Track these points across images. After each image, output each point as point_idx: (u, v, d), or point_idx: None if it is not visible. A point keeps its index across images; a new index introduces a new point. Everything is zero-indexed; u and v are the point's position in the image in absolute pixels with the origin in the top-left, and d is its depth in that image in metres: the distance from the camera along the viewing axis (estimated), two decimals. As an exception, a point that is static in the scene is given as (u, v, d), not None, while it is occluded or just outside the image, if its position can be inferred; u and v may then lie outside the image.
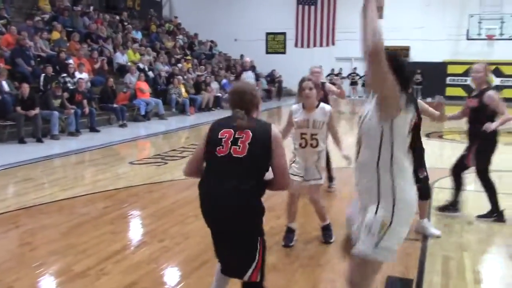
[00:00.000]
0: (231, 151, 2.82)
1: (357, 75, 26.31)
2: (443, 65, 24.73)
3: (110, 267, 4.15)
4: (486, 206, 5.53)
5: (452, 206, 5.76)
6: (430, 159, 9.07)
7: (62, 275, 4.02)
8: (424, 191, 4.83)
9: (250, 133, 2.82)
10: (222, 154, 2.84)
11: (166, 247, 4.64)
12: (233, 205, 2.80)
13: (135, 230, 5.10)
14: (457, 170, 5.75)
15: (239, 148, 2.81)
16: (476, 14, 23.19)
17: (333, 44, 26.84)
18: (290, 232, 4.82)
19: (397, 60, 2.73)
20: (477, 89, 5.42)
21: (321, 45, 26.99)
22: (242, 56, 25.23)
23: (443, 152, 10.30)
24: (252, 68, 13.61)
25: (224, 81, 20.35)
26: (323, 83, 6.33)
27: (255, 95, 3.04)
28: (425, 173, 4.94)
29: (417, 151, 4.48)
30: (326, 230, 4.88)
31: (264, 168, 2.89)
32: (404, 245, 4.70)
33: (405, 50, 25.79)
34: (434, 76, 24.57)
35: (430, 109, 5.02)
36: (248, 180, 2.81)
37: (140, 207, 5.96)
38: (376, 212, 2.62)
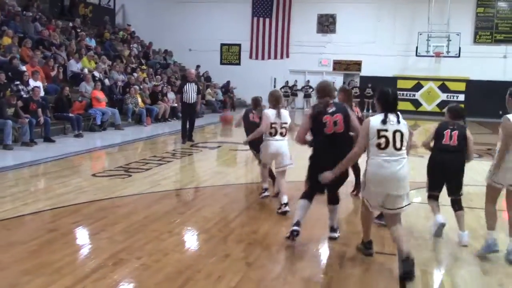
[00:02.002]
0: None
1: (311, 87, 26.70)
2: (393, 80, 25.50)
3: (90, 287, 3.99)
4: (452, 220, 5.69)
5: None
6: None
7: (39, 297, 3.83)
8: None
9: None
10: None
11: (145, 265, 4.50)
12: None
13: (110, 247, 4.91)
14: None
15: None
16: (425, 32, 24.11)
17: (287, 56, 27.20)
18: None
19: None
20: None
21: (275, 58, 27.29)
22: (198, 66, 25.14)
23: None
24: (195, 80, 13.15)
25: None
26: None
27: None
28: None
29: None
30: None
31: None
32: (383, 260, 4.81)
33: (357, 64, 26.51)
34: (384, 90, 25.30)
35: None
36: None
37: (111, 223, 5.76)
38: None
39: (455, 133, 5.48)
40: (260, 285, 4.19)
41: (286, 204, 6.28)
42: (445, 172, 5.49)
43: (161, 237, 5.29)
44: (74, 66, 15.97)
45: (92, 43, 19.46)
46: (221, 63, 27.92)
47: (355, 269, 4.60)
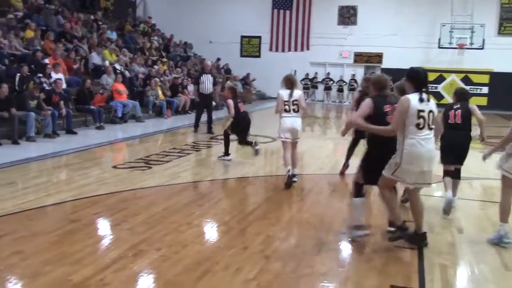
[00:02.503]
0: None
1: (331, 80, 26.59)
2: (415, 72, 25.18)
3: (110, 277, 4.04)
4: (474, 214, 5.64)
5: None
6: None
7: (60, 286, 3.89)
8: None
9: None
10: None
11: (164, 256, 4.55)
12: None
13: (130, 238, 4.98)
14: None
15: None
16: (448, 23, 23.73)
17: (307, 49, 27.05)
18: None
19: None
20: None
21: (295, 50, 27.16)
22: (218, 59, 25.19)
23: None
24: (211, 72, 13.67)
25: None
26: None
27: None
28: None
29: None
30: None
31: None
32: (403, 254, 4.78)
33: (378, 56, 26.24)
34: (406, 83, 25.03)
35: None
36: None
37: (131, 214, 5.82)
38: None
39: (458, 112, 6.18)
40: (278, 278, 4.20)
41: (294, 175, 7.29)
42: (453, 147, 6.17)
43: (180, 229, 5.34)
44: (96, 58, 16.13)
45: (113, 35, 19.61)
46: (241, 56, 27.91)
47: (374, 262, 4.58)
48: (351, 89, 26.26)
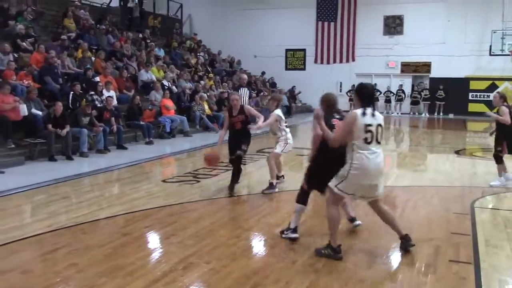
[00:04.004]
0: None
1: (378, 91, 26.20)
2: (465, 81, 24.58)
3: (161, 290, 4.10)
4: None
5: None
6: (463, 178, 8.97)
7: (114, 298, 3.97)
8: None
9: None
10: None
11: (214, 269, 4.57)
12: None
13: (180, 251, 5.03)
14: None
15: None
16: (499, 30, 23.00)
17: (353, 60, 26.85)
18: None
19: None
20: None
21: (340, 62, 27.01)
22: (263, 73, 25.36)
23: (476, 170, 10.12)
24: (247, 85, 14.21)
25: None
26: (242, 106, 7.79)
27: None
28: None
29: None
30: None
31: None
32: (459, 268, 4.61)
33: (426, 66, 25.74)
34: (456, 92, 24.43)
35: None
36: None
37: (181, 228, 5.89)
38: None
39: None
40: None
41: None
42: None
43: (229, 242, 5.36)
44: (144, 75, 16.55)
45: (161, 53, 20.11)
46: (286, 69, 27.99)
47: (427, 278, 4.44)
48: (399, 99, 25.83)
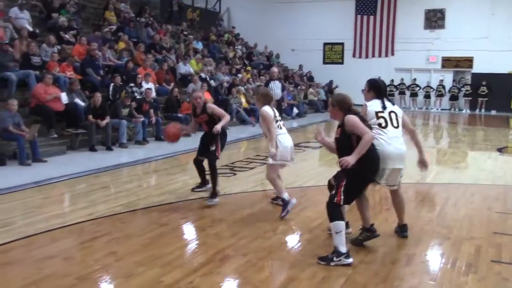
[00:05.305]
0: None
1: (417, 86, 25.72)
2: (508, 77, 23.82)
3: (198, 281, 4.13)
4: None
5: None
6: (506, 176, 8.74)
7: (152, 287, 4.02)
8: None
9: None
10: None
11: (250, 262, 4.58)
12: None
13: (216, 243, 5.07)
14: None
15: None
16: (546, 23, 22.21)
17: (392, 54, 26.38)
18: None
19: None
20: None
21: (379, 56, 26.58)
22: (300, 66, 25.25)
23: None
24: (278, 78, 14.60)
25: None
26: (204, 104, 6.91)
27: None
28: None
29: None
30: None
31: None
32: (499, 269, 4.49)
33: (468, 61, 25.08)
34: (499, 88, 23.72)
35: None
36: None
37: (217, 220, 5.93)
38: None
39: None
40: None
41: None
42: None
43: (265, 235, 5.36)
44: (183, 68, 16.68)
45: (199, 45, 20.23)
46: (324, 63, 27.71)
47: (468, 277, 4.34)
48: (439, 95, 25.26)
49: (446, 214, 6.39)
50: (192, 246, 5.18)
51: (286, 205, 6.10)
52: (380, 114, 4.97)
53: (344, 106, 4.74)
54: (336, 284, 4.14)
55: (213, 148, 6.75)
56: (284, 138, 6.36)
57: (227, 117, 6.92)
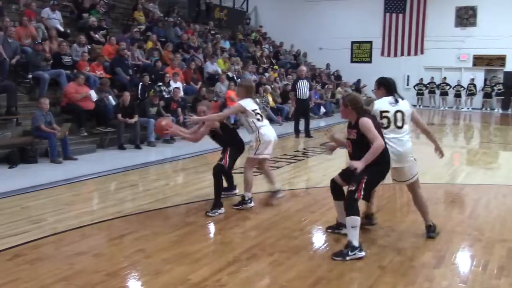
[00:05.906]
0: None
1: (448, 85, 25.27)
2: (543, 75, 23.24)
3: (226, 279, 4.14)
4: None
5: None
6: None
7: (180, 285, 4.05)
8: None
9: None
10: None
11: (277, 261, 4.57)
12: None
13: (243, 242, 5.08)
14: None
15: None
16: None
17: (421, 53, 25.99)
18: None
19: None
20: None
21: (409, 54, 26.23)
22: (328, 65, 25.09)
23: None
24: (307, 77, 14.46)
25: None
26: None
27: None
28: None
29: None
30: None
31: None
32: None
33: (501, 59, 24.54)
34: (532, 87, 23.16)
35: None
36: None
37: (244, 218, 5.95)
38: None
39: None
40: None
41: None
42: None
43: (292, 235, 5.34)
44: (210, 67, 16.76)
45: (227, 45, 20.30)
46: (352, 61, 27.48)
47: (500, 281, 4.24)
48: (470, 94, 24.76)
49: (477, 215, 6.27)
50: (219, 244, 5.19)
51: (243, 203, 6.31)
52: (384, 114, 4.99)
53: (357, 106, 4.78)
54: (364, 286, 4.10)
55: (221, 157, 6.37)
56: (266, 130, 6.39)
57: (221, 114, 6.99)
